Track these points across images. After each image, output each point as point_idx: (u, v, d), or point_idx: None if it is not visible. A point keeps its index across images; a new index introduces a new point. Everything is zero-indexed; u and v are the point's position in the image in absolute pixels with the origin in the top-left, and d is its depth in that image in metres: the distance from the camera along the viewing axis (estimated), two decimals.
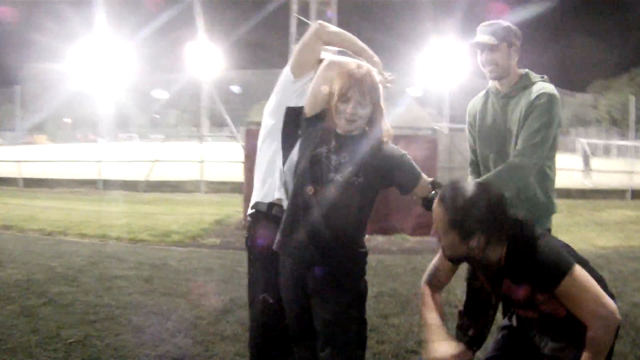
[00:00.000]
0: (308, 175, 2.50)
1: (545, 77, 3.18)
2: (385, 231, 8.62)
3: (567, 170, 21.36)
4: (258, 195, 2.90)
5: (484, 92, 3.35)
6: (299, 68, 2.94)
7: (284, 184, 2.85)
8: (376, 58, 2.84)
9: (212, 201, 12.34)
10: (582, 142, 24.31)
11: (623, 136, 41.87)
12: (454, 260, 2.50)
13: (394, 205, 8.27)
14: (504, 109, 3.16)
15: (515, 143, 3.03)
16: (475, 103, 3.41)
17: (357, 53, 2.88)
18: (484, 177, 3.03)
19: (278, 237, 2.56)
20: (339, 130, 2.55)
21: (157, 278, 5.71)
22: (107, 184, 14.84)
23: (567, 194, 15.28)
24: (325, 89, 2.53)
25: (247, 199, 8.99)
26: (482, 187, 2.36)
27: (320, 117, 2.60)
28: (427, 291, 2.61)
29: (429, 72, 21.62)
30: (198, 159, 14.79)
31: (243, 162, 9.75)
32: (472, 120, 3.41)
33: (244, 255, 6.59)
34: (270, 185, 2.90)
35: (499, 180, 2.87)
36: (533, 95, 3.01)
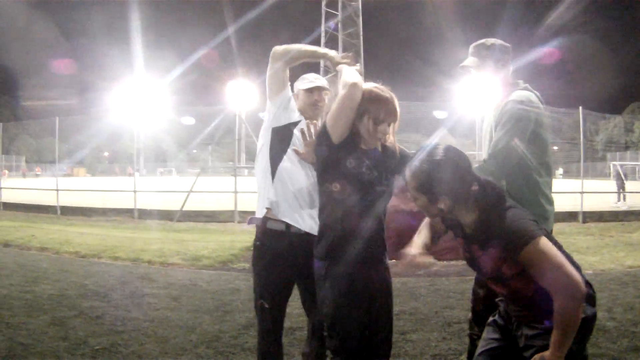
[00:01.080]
0: (359, 192, 2.65)
1: (527, 85, 3.31)
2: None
3: (601, 194, 21.10)
4: (257, 206, 3.28)
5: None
6: (270, 92, 3.30)
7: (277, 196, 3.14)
8: (333, 53, 3.11)
9: (245, 230, 12.40)
10: (616, 164, 24.05)
11: None
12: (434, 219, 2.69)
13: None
14: (494, 119, 3.27)
15: None
16: (485, 115, 3.65)
17: (318, 58, 3.25)
18: None
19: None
20: (363, 146, 2.73)
21: (185, 297, 5.84)
22: (143, 213, 15.09)
23: (600, 217, 14.97)
24: (350, 113, 2.66)
25: None
26: (448, 151, 2.40)
27: (347, 141, 2.71)
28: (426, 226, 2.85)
29: (461, 100, 21.67)
30: (232, 189, 14.97)
31: None
32: (483, 132, 3.61)
33: None
34: (263, 198, 3.23)
35: None
36: (505, 105, 3.15)
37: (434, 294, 6.12)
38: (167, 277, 6.95)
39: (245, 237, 10.84)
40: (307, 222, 3.12)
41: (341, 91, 2.68)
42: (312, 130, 3.00)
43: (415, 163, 2.41)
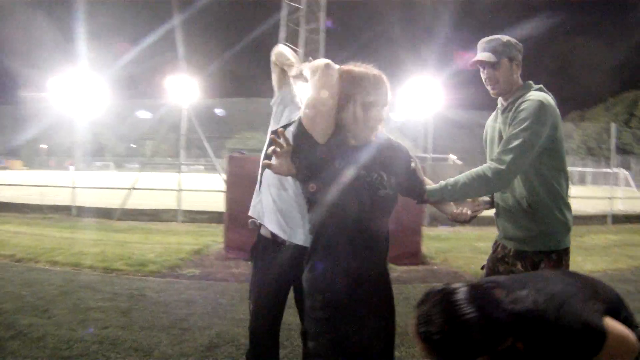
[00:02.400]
0: (356, 201, 2.28)
1: (542, 86, 3.13)
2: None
3: None
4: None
5: (496, 109, 3.30)
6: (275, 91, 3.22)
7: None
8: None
9: (190, 231, 11.94)
10: None
11: (597, 164, 43.16)
12: None
13: None
14: (504, 122, 3.10)
15: None
16: (489, 120, 3.38)
17: (289, 65, 2.98)
18: (457, 176, 2.90)
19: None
20: (353, 142, 2.37)
21: (135, 310, 5.35)
22: (81, 211, 14.31)
23: None
24: (327, 100, 2.27)
25: (228, 228, 8.71)
26: (472, 300, 1.85)
27: (333, 137, 2.35)
28: None
29: (408, 103, 21.73)
30: (175, 187, 14.39)
31: (224, 191, 9.32)
32: (484, 137, 3.38)
33: (226, 287, 6.34)
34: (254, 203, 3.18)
35: (471, 181, 2.83)
36: (519, 104, 2.97)
37: (404, 302, 5.81)
38: (112, 286, 6.40)
39: (191, 239, 10.40)
40: (296, 233, 2.96)
41: (312, 77, 2.31)
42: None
43: (426, 333, 1.84)
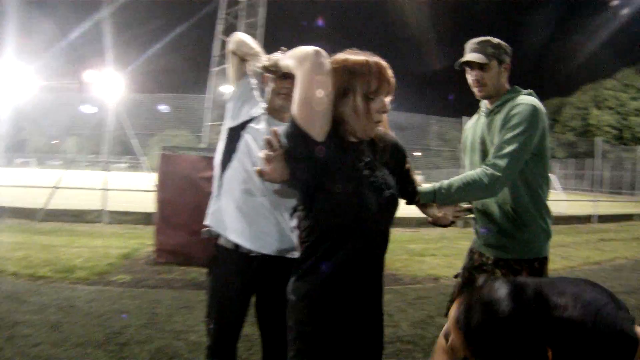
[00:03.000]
0: (361, 204, 2.07)
1: (531, 91, 3.10)
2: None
3: None
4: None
5: (477, 111, 3.30)
6: (231, 84, 3.01)
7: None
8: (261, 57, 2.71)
9: (116, 233, 11.54)
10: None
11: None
12: None
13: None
14: (489, 126, 3.08)
15: None
16: (469, 123, 3.39)
17: (254, 55, 2.76)
18: (450, 180, 2.85)
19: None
20: (353, 139, 2.17)
21: (66, 324, 5.07)
22: (1, 211, 13.52)
23: None
24: (323, 93, 2.00)
25: (159, 231, 8.46)
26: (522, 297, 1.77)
27: (331, 135, 2.10)
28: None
29: None
30: (100, 186, 13.87)
31: (155, 190, 9.00)
32: (464, 139, 3.37)
33: (159, 295, 6.16)
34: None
35: (466, 186, 2.78)
36: (511, 108, 2.93)
37: None
38: (39, 296, 6.07)
39: (118, 242, 10.07)
40: (265, 242, 2.76)
41: (300, 68, 2.04)
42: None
43: (468, 330, 1.76)
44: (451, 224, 2.81)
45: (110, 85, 15.98)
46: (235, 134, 2.87)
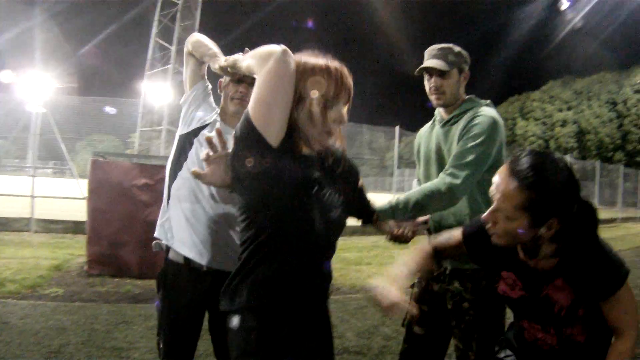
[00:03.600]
0: (308, 219, 1.92)
1: (490, 102, 3.10)
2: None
3: None
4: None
5: (432, 119, 3.28)
6: (185, 90, 2.92)
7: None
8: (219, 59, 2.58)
9: (45, 242, 11.17)
10: (414, 183, 26.16)
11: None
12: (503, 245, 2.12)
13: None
14: (445, 136, 3.04)
15: None
16: (422, 131, 3.34)
17: (212, 55, 2.63)
18: (407, 194, 2.82)
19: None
20: (305, 150, 2.00)
21: (1, 343, 4.92)
22: None
23: None
24: (284, 95, 1.87)
25: (90, 241, 8.27)
26: (559, 159, 2.00)
27: (284, 142, 1.92)
28: (424, 251, 2.45)
29: None
30: (28, 193, 13.38)
31: (86, 198, 8.75)
32: (417, 148, 3.34)
33: (95, 309, 6.11)
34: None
35: (425, 198, 2.75)
36: (470, 119, 2.91)
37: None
38: None
39: (47, 252, 9.78)
40: (217, 257, 2.68)
41: (262, 66, 1.87)
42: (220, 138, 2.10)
43: (523, 171, 1.94)
44: (410, 239, 2.81)
45: (36, 87, 15.49)
46: (186, 141, 2.80)
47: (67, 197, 14.11)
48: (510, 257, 2.23)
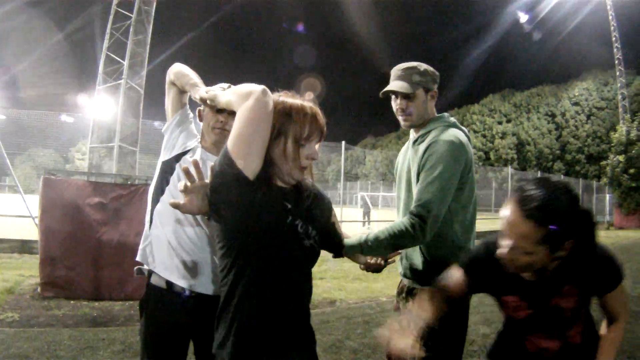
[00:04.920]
0: (281, 250, 2.02)
1: (455, 121, 3.06)
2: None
3: (349, 222, 22.71)
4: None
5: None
6: (167, 117, 2.97)
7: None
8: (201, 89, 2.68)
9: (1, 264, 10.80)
10: (364, 195, 26.58)
11: (389, 188, 47.62)
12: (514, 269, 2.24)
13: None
14: (414, 155, 2.98)
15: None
16: (402, 149, 3.33)
17: (193, 85, 2.73)
18: (376, 232, 2.78)
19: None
20: (279, 183, 2.14)
21: None
22: None
23: None
24: (262, 132, 2.00)
25: (43, 263, 8.04)
26: (562, 185, 2.09)
27: (260, 175, 2.05)
28: (434, 299, 2.49)
29: None
30: None
31: (38, 217, 8.42)
32: (395, 166, 3.37)
33: (56, 335, 6.11)
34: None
35: (393, 238, 2.71)
36: (426, 147, 2.85)
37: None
38: None
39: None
40: (199, 280, 2.65)
41: (242, 103, 2.01)
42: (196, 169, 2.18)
43: (536, 210, 2.02)
44: (384, 267, 2.85)
45: None
46: (168, 166, 2.84)
47: (15, 215, 13.74)
48: (512, 281, 2.34)
